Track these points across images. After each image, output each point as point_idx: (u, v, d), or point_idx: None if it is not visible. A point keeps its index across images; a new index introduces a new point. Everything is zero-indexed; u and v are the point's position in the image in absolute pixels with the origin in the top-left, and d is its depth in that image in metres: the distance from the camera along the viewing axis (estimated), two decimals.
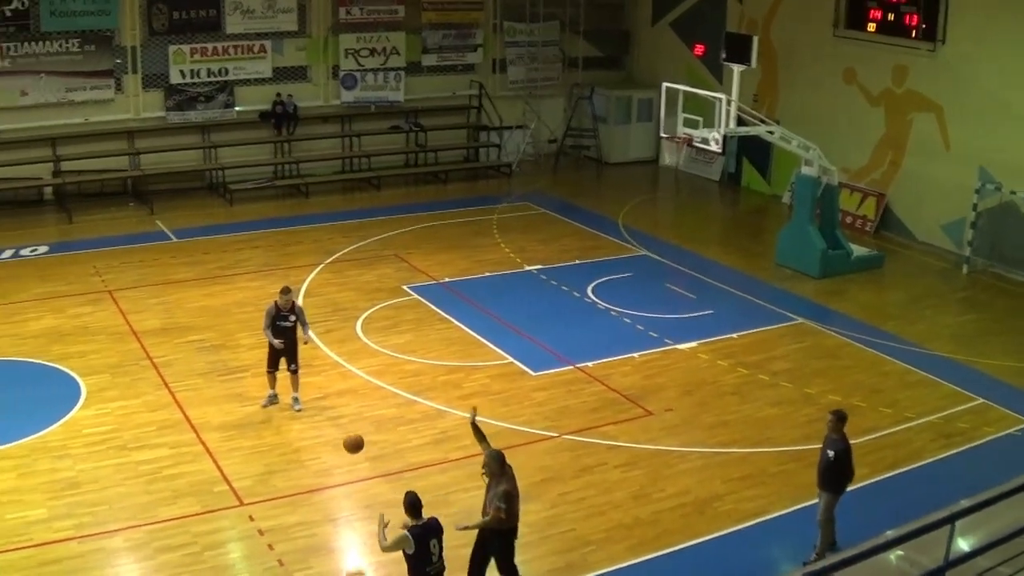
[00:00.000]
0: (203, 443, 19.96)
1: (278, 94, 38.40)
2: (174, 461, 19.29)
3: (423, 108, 41.10)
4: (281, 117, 38.40)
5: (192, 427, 20.58)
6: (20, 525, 17.30)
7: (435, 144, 40.98)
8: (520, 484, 17.87)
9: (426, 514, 13.82)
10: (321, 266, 29.70)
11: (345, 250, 31.10)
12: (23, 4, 34.62)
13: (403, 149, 40.94)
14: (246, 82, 38.42)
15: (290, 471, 19.04)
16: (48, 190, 36.45)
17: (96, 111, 36.41)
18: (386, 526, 13.72)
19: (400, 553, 13.80)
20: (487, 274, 29.51)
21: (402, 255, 30.65)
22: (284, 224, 33.89)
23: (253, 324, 23.56)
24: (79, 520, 17.37)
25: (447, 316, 26.37)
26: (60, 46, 35.42)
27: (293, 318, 21.27)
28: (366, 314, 26.38)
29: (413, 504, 13.82)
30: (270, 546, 16.78)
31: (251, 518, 17.49)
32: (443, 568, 14.02)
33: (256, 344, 23.03)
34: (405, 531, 13.64)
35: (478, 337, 25.17)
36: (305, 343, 21.70)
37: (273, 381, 21.62)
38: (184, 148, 37.70)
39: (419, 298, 27.50)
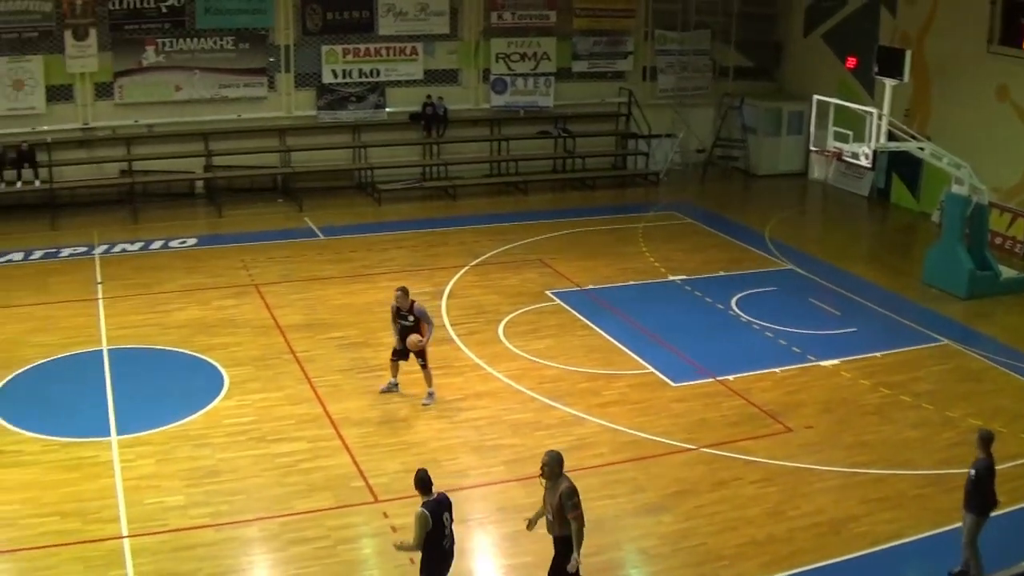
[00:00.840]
0: (341, 438, 20.23)
1: (428, 96, 38.75)
2: (312, 455, 19.58)
3: (572, 114, 41.14)
4: (431, 119, 38.73)
5: (331, 422, 20.88)
6: (157, 510, 17.72)
7: (583, 150, 41.00)
8: (654, 495, 17.93)
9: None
10: (466, 268, 29.89)
11: (490, 253, 31.27)
12: (179, 1, 35.51)
13: (551, 155, 41.04)
14: (397, 83, 38.92)
15: (427, 470, 19.08)
16: (199, 184, 37.33)
17: (249, 108, 37.18)
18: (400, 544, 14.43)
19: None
20: (631, 282, 29.42)
21: (547, 260, 30.69)
22: (430, 225, 34.24)
23: None
24: (215, 508, 17.74)
25: (589, 323, 26.33)
26: (215, 43, 36.27)
27: (412, 318, 21.55)
28: (508, 318, 26.47)
29: (423, 480, 14.18)
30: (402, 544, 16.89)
31: (385, 515, 17.64)
32: (454, 541, 14.37)
33: None
34: (421, 510, 13.90)
35: (619, 345, 25.09)
36: (420, 343, 21.73)
37: (395, 370, 22.11)
38: (334, 147, 38.31)
39: (562, 304, 27.50)
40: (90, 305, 27.14)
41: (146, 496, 18.15)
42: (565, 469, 14.52)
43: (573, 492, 14.23)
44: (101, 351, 24.40)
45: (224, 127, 36.96)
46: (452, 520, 14.30)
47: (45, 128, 35.90)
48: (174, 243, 32.06)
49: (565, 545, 14.49)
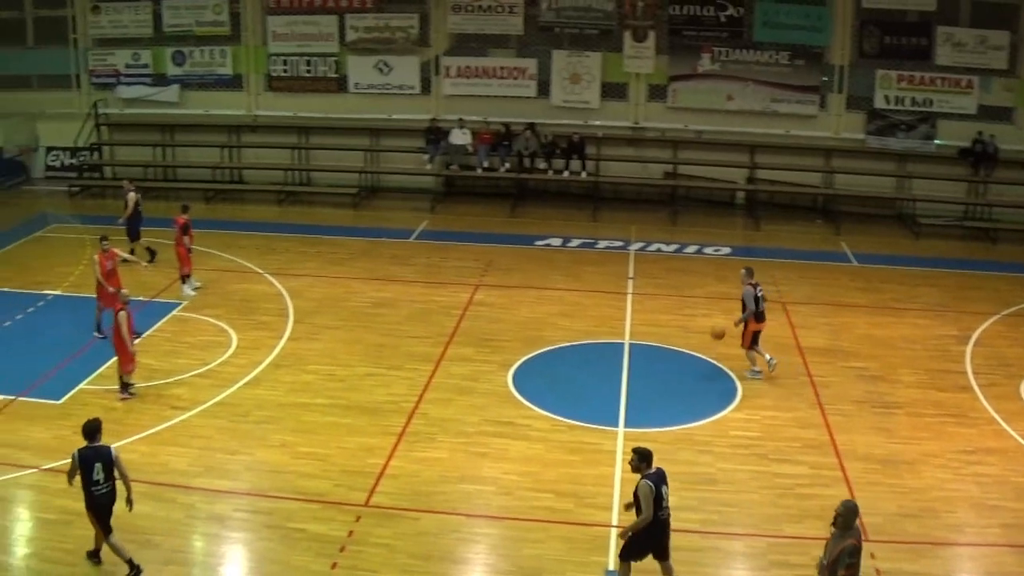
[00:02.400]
0: (843, 470, 19.84)
1: (979, 132, 37.26)
2: (810, 481, 19.34)
3: None
4: (980, 157, 37.27)
5: (835, 452, 20.51)
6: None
7: None
8: None
9: None
10: (996, 317, 28.49)
11: None
12: (738, 12, 35.98)
13: None
14: (948, 116, 37.48)
15: (922, 518, 18.45)
16: (740, 195, 37.72)
17: (797, 125, 37.13)
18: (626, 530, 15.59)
19: None
20: None
21: None
22: (966, 266, 32.93)
23: (917, 361, 23.11)
24: (706, 516, 17.93)
25: None
26: (770, 57, 36.45)
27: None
28: None
29: (646, 456, 15.32)
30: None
31: (872, 556, 17.11)
32: (670, 513, 15.51)
33: (916, 383, 22.63)
34: (646, 482, 15.07)
35: None
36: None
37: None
38: (878, 174, 37.54)
39: None
40: (619, 298, 28.14)
41: None
42: None
43: (855, 552, 13.66)
44: (623, 344, 25.30)
45: (770, 141, 37.15)
46: (668, 491, 15.43)
47: (597, 123, 37.56)
48: (708, 250, 32.65)
49: None
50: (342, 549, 17.14)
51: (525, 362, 24.32)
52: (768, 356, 23.77)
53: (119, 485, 16.43)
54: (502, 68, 38.53)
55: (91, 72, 42.35)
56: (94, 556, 16.79)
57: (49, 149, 43.45)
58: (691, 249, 32.33)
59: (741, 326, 23.66)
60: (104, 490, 16.25)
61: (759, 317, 23.60)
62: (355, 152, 39.94)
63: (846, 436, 21.12)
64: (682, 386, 23.26)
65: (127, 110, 42.42)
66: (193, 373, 23.95)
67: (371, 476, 19.34)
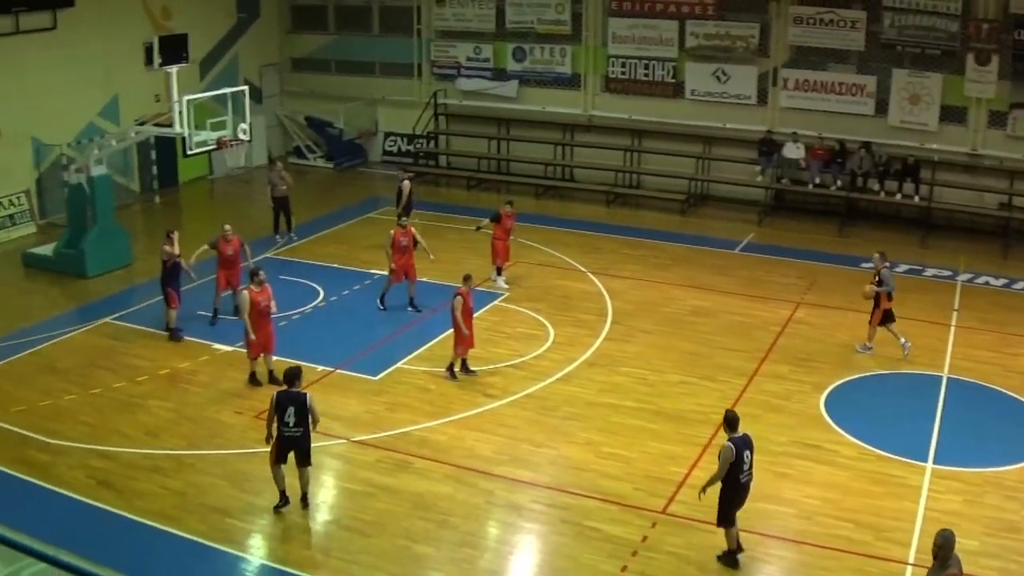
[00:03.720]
0: None
1: None
2: None
3: None
4: None
5: None
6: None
7: None
8: None
9: None
10: None
11: None
12: None
13: None
14: None
15: None
16: None
17: None
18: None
19: None
20: None
21: None
22: None
23: None
24: (1005, 564, 17.50)
25: None
26: None
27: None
28: None
29: (731, 421, 16.58)
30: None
31: None
32: (751, 478, 16.63)
33: None
34: (728, 444, 16.20)
35: None
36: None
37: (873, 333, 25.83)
38: None
39: None
40: (941, 329, 27.68)
41: None
42: None
43: None
44: (940, 377, 24.92)
45: None
46: (752, 460, 16.45)
47: (933, 146, 36.82)
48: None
49: None
50: (634, 553, 17.67)
51: (839, 386, 24.34)
52: (903, 340, 25.73)
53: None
54: (840, 84, 38.22)
55: (432, 63, 44.64)
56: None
57: (387, 134, 46.07)
58: (1020, 285, 31.37)
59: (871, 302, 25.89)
60: (294, 433, 17.97)
61: (890, 296, 25.24)
62: (687, 159, 40.38)
63: None
64: (997, 426, 22.68)
65: (465, 102, 44.35)
66: (508, 364, 25.06)
67: (671, 484, 19.82)
